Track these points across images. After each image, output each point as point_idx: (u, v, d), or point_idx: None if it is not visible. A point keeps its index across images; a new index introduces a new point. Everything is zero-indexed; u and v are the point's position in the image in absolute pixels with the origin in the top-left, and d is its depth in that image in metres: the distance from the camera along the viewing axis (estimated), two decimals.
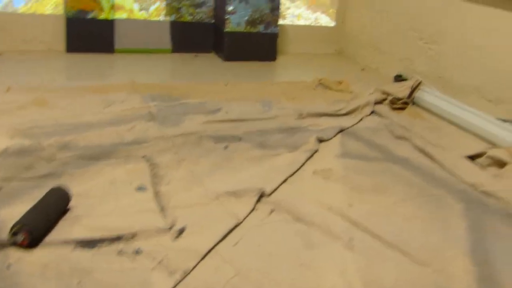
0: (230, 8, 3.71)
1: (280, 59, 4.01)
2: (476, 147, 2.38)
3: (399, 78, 3.49)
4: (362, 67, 3.96)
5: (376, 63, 3.90)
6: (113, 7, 3.76)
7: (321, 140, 2.40)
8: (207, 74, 3.51)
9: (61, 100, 2.70)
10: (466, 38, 2.96)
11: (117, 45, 3.85)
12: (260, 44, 3.84)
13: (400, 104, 2.95)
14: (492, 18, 2.75)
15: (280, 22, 4.11)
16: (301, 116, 2.70)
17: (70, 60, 3.63)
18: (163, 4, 3.88)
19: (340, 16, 4.33)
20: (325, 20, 4.30)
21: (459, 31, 3.01)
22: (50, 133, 2.31)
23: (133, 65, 3.60)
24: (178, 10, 3.90)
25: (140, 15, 3.87)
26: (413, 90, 3.04)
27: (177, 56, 3.91)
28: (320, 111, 2.76)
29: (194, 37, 3.98)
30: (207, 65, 3.73)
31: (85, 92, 2.86)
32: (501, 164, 2.23)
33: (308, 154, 2.22)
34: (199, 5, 3.92)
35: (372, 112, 2.85)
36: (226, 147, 2.29)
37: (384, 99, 2.99)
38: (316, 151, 2.29)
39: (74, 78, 3.26)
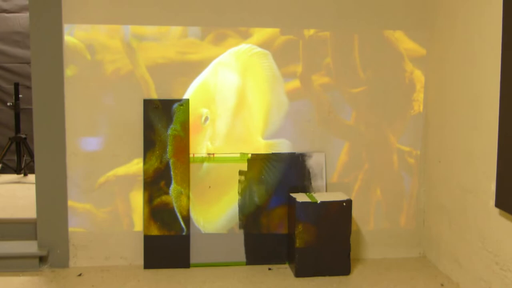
0: (299, 224, 3.72)
1: (356, 269, 3.92)
2: None
3: None
4: (442, 280, 3.75)
5: (456, 277, 3.69)
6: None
7: None
8: None
9: None
10: None
11: (192, 260, 3.94)
12: (331, 258, 3.78)
13: None
14: None
15: (358, 224, 4.08)
16: None
17: (145, 278, 3.75)
18: (237, 216, 3.98)
19: (421, 219, 4.20)
20: (404, 220, 4.19)
21: None
22: None
23: (204, 282, 3.66)
24: (252, 221, 3.99)
25: (215, 229, 3.97)
26: None
27: (250, 269, 3.92)
28: None
29: (268, 248, 4.01)
30: (277, 282, 3.69)
31: None
32: None
33: None
34: (275, 227, 3.99)
35: None
36: None
37: None
38: None
39: None
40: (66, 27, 3.82)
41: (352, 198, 4.04)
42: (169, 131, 3.91)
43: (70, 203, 3.94)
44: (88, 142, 3.92)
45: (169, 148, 3.92)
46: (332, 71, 4.07)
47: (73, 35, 3.84)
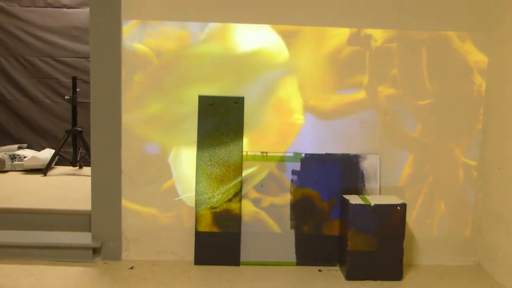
0: (352, 227, 3.68)
1: (408, 275, 3.84)
2: None
3: None
4: None
5: None
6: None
7: None
8: None
9: None
10: None
11: (243, 258, 3.94)
12: (383, 263, 3.72)
13: None
14: None
15: (411, 229, 4.01)
16: None
17: (195, 274, 3.77)
18: (289, 216, 3.96)
19: (476, 226, 4.09)
20: (462, 230, 4.09)
21: None
22: None
23: (253, 281, 3.65)
24: (303, 222, 3.96)
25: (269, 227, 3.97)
26: None
27: (300, 270, 3.90)
28: None
29: (318, 250, 3.97)
30: (328, 285, 3.66)
31: None
32: None
33: None
34: (327, 229, 3.95)
35: None
36: None
37: None
38: None
39: None
40: (125, 23, 3.87)
41: (415, 209, 4.05)
42: (223, 131, 3.92)
43: (123, 198, 4.00)
44: (142, 145, 3.97)
45: (222, 150, 3.94)
46: (398, 83, 4.01)
47: (143, 43, 3.90)
